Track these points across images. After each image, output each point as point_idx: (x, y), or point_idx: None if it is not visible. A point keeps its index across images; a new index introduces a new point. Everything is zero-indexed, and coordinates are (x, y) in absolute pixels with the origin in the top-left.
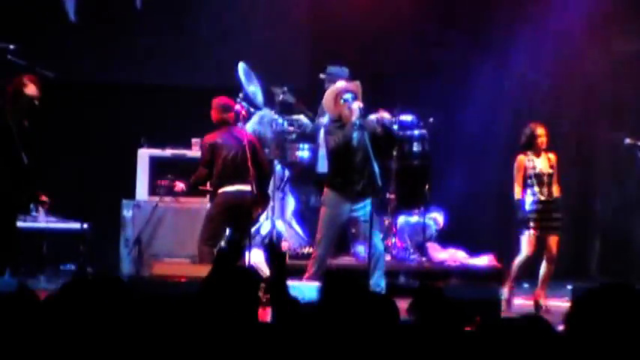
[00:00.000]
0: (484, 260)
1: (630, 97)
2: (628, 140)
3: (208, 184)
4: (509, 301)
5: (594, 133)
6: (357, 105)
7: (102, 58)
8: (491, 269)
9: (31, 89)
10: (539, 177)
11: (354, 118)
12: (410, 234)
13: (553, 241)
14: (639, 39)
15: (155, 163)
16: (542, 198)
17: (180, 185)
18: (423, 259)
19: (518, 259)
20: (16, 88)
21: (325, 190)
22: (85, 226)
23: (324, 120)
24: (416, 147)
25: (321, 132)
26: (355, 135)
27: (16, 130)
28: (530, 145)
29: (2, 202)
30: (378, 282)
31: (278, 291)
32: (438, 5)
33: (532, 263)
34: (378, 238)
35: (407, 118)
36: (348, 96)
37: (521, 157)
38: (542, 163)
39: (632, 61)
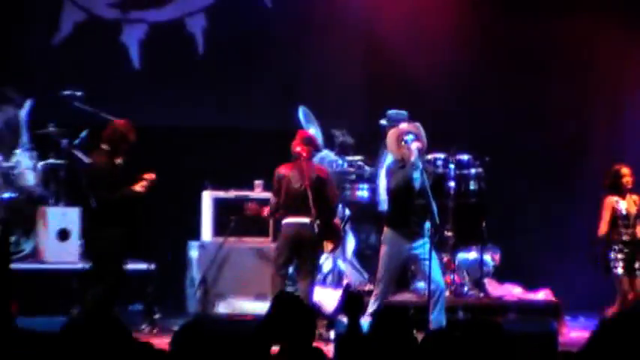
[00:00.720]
0: (540, 295)
1: None
2: None
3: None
4: None
5: None
6: (415, 145)
7: (166, 102)
8: (547, 304)
9: (132, 135)
10: (625, 219)
11: (413, 158)
12: (468, 270)
13: (638, 283)
14: None
15: (219, 205)
16: (627, 239)
17: (266, 209)
18: (481, 294)
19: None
20: (119, 133)
21: (384, 229)
22: (152, 266)
23: (388, 161)
24: (472, 185)
25: (382, 173)
26: (416, 176)
27: (108, 173)
28: (615, 186)
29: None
30: (438, 318)
31: (352, 337)
32: (492, 48)
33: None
34: (439, 275)
35: (463, 157)
36: (408, 137)
37: (611, 199)
38: (627, 205)
39: None
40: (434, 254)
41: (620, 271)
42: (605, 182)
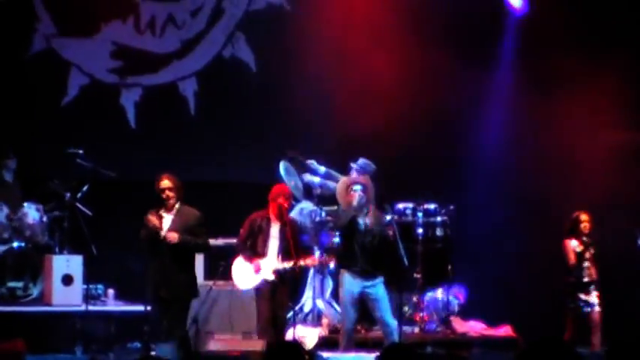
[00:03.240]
0: (502, 331)
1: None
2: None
3: None
4: None
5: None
6: (359, 194)
7: (159, 159)
8: (508, 339)
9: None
10: (581, 260)
11: (355, 202)
12: (435, 309)
13: (596, 315)
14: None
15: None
16: (586, 280)
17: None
18: (448, 331)
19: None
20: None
21: (340, 270)
22: (149, 308)
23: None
24: (439, 232)
25: None
26: (361, 220)
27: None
28: (574, 231)
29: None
30: None
31: None
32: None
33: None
34: (389, 316)
35: (430, 206)
36: (356, 187)
37: (568, 242)
38: (582, 247)
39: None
40: (385, 295)
41: (589, 309)
42: (565, 226)
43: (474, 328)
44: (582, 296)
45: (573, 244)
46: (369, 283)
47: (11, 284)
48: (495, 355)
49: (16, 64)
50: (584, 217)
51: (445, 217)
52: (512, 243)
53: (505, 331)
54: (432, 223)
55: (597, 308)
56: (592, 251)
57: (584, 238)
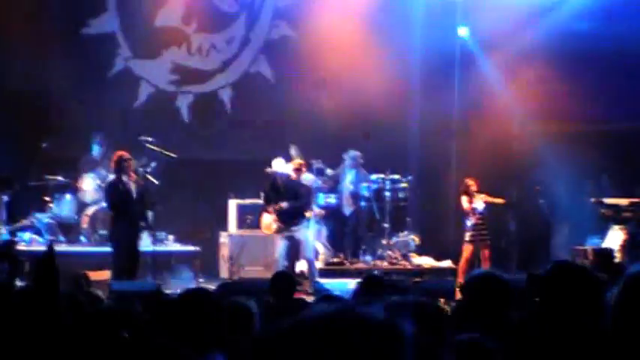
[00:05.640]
0: (446, 263)
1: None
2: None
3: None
4: None
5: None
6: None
7: (205, 144)
8: (449, 269)
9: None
10: (476, 211)
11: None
12: (399, 248)
13: (487, 251)
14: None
15: (240, 209)
16: (480, 222)
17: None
18: (407, 263)
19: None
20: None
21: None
22: (198, 248)
23: (348, 178)
24: (401, 194)
25: (346, 183)
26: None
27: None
28: (465, 192)
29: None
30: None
31: None
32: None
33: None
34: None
35: (395, 176)
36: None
37: (462, 198)
38: (476, 203)
39: None
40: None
41: (469, 244)
42: (459, 189)
43: (426, 261)
44: (476, 232)
45: (464, 198)
46: (293, 228)
47: (101, 232)
48: (441, 280)
49: (103, 80)
50: (470, 182)
51: (406, 184)
52: (454, 200)
53: (448, 263)
54: (396, 188)
55: (487, 238)
56: (482, 201)
57: (473, 192)
